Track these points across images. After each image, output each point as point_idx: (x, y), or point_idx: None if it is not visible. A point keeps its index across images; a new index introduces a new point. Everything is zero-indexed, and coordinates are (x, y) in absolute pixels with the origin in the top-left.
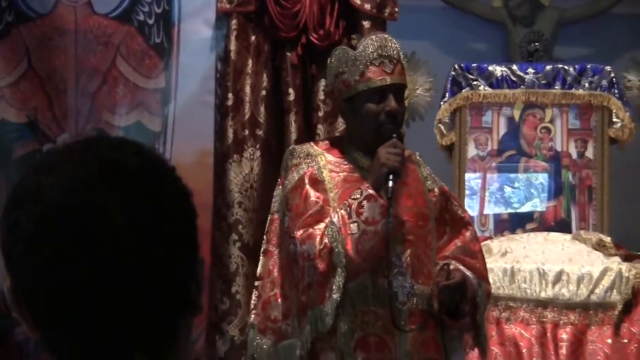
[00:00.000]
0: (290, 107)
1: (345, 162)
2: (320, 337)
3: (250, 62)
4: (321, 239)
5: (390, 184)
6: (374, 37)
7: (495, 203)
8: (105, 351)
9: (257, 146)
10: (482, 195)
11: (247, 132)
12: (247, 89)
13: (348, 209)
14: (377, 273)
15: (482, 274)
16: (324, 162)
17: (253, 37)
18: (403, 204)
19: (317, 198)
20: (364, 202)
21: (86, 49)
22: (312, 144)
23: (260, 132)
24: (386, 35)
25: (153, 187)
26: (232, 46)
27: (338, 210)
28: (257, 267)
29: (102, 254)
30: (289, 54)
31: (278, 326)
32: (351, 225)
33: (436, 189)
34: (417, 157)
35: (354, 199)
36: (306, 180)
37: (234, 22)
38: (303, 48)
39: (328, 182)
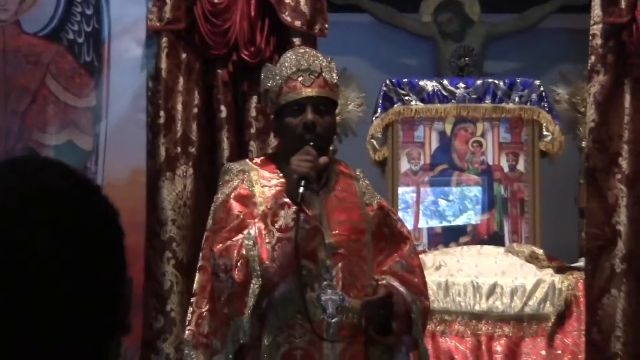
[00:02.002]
0: (222, 125)
1: (278, 177)
2: (248, 352)
3: (181, 79)
4: (238, 250)
5: (301, 189)
6: (291, 51)
7: (430, 216)
8: None
9: (190, 164)
10: (416, 209)
11: (179, 149)
12: (179, 107)
13: (265, 218)
14: (305, 286)
15: (419, 289)
16: (256, 177)
17: (184, 55)
18: (336, 217)
19: (240, 212)
20: (279, 210)
21: (15, 68)
22: (247, 160)
23: (192, 150)
24: (305, 50)
25: (76, 209)
26: (163, 64)
27: (256, 222)
28: (191, 284)
29: (21, 279)
30: (220, 71)
31: (210, 341)
32: (267, 234)
33: (374, 204)
34: (357, 173)
35: (269, 208)
36: (232, 195)
37: (164, 40)
38: (234, 65)
39: (259, 196)
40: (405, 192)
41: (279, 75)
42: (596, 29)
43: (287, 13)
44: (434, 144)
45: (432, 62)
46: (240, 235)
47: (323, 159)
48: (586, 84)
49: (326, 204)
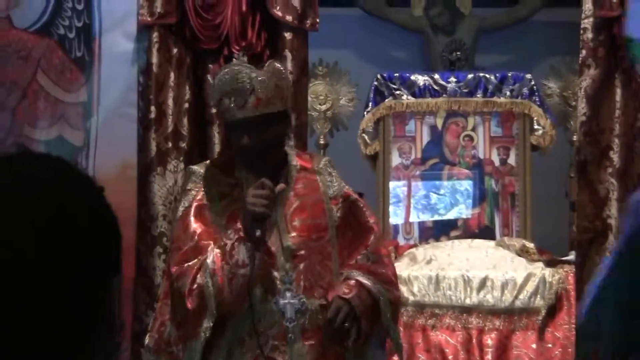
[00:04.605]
0: (213, 119)
1: (237, 184)
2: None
3: (172, 74)
4: (193, 277)
5: (258, 233)
6: (225, 69)
7: (421, 210)
8: None
9: (181, 158)
10: (408, 203)
11: (170, 144)
12: (170, 102)
13: (223, 249)
14: (265, 292)
15: (388, 279)
16: (216, 184)
17: (175, 50)
18: (295, 217)
19: (194, 231)
20: (236, 244)
21: (5, 63)
22: (209, 163)
23: (183, 145)
24: (237, 68)
25: (66, 202)
26: (154, 59)
27: (214, 249)
28: None
29: (3, 269)
30: (211, 65)
31: (172, 349)
32: (224, 266)
33: (339, 196)
34: (320, 165)
35: (228, 239)
36: (191, 210)
37: (155, 34)
38: (225, 60)
39: (218, 209)
40: (396, 186)
41: (215, 95)
42: (587, 22)
43: (278, 7)
44: (425, 138)
45: (423, 55)
46: (195, 261)
47: (280, 187)
48: (577, 77)
49: (285, 204)
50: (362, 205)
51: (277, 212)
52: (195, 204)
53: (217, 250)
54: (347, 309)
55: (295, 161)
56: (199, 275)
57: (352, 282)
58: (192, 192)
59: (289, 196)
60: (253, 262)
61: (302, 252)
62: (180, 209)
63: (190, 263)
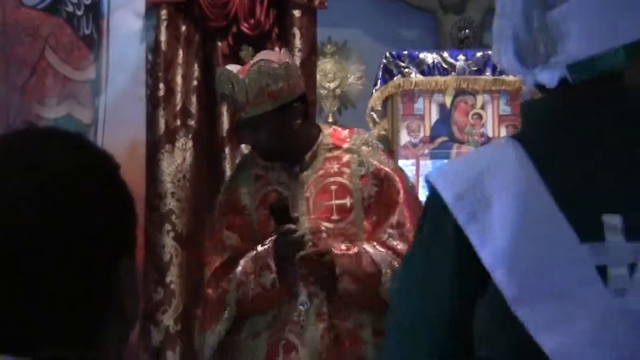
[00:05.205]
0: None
1: (270, 174)
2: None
3: (180, 52)
4: (221, 278)
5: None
6: (219, 73)
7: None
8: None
9: (189, 136)
10: (416, 181)
11: (179, 122)
12: (179, 79)
13: (254, 261)
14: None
15: (399, 251)
16: (252, 167)
17: (183, 27)
18: (318, 199)
19: (227, 237)
20: (263, 269)
21: (14, 41)
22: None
23: (192, 123)
24: (226, 72)
25: (72, 181)
26: (162, 37)
27: (245, 259)
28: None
29: (13, 248)
30: (219, 43)
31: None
32: (248, 282)
33: (370, 173)
34: (357, 142)
35: (261, 255)
36: (225, 213)
37: (163, 12)
38: (234, 38)
39: (250, 205)
40: (404, 165)
41: (218, 91)
42: None
43: None
44: (434, 117)
45: (432, 34)
46: (227, 259)
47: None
48: None
49: (308, 185)
50: (392, 178)
51: (299, 194)
52: (228, 206)
53: (248, 261)
54: (327, 258)
55: (328, 139)
56: (225, 280)
57: (355, 247)
58: (232, 184)
59: (314, 177)
60: (274, 288)
61: (322, 234)
62: (221, 203)
63: (218, 263)
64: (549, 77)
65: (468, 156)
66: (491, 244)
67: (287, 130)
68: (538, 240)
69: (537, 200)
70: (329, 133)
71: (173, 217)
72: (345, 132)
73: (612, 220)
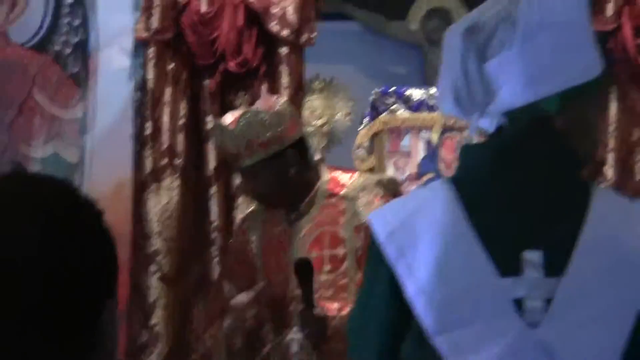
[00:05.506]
0: (209, 135)
1: (277, 216)
2: None
3: (168, 90)
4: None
5: None
6: (216, 126)
7: None
8: None
9: (176, 175)
10: None
11: (165, 161)
12: (165, 118)
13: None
14: (277, 328)
15: None
16: (261, 219)
17: (171, 65)
18: (312, 248)
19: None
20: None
21: (2, 79)
22: None
23: (179, 161)
24: (219, 126)
25: (68, 226)
26: (150, 74)
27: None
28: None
29: (5, 289)
30: (207, 81)
31: None
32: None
33: (362, 224)
34: (356, 189)
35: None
36: (235, 254)
37: (151, 49)
38: (221, 75)
39: (256, 251)
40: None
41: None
42: None
43: (274, 23)
44: (421, 153)
45: (420, 69)
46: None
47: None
48: None
49: (304, 235)
50: None
51: (295, 244)
52: (233, 253)
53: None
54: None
55: (325, 187)
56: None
57: (347, 307)
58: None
59: (309, 226)
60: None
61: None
62: (231, 246)
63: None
64: (487, 123)
65: (406, 196)
66: (414, 277)
67: (282, 177)
68: (457, 274)
69: (461, 238)
70: (327, 179)
71: (159, 257)
72: (346, 177)
73: (533, 257)
